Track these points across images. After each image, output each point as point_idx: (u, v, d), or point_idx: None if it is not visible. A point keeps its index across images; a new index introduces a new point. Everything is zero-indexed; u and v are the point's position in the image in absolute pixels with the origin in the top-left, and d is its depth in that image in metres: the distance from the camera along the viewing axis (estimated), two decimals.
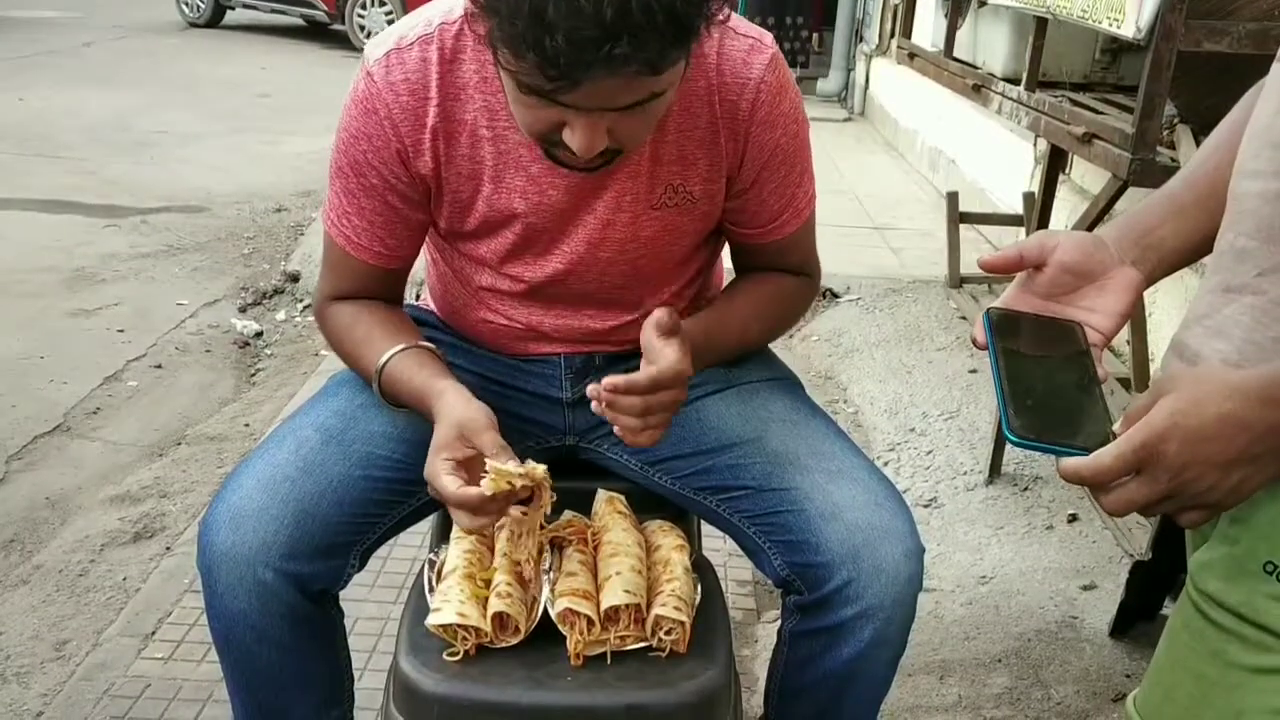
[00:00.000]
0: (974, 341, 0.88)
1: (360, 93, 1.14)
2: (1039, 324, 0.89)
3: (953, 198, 3.77)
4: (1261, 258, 0.79)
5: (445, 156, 1.16)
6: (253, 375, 3.26)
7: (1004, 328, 0.87)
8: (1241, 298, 0.80)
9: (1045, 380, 0.83)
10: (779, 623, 1.28)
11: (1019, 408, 0.78)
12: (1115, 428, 0.74)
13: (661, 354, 1.07)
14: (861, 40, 7.58)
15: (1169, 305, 2.95)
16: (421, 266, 1.43)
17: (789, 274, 1.32)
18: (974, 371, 3.21)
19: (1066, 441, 0.75)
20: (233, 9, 10.67)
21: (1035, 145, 3.97)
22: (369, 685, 1.45)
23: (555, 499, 1.11)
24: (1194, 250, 0.92)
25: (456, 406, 1.11)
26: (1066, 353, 0.85)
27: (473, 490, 1.04)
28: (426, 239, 1.31)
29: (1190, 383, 0.73)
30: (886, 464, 2.74)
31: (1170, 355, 0.89)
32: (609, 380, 1.05)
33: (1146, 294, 2.88)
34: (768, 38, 1.18)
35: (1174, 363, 0.88)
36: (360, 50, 9.43)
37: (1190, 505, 0.74)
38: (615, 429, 1.09)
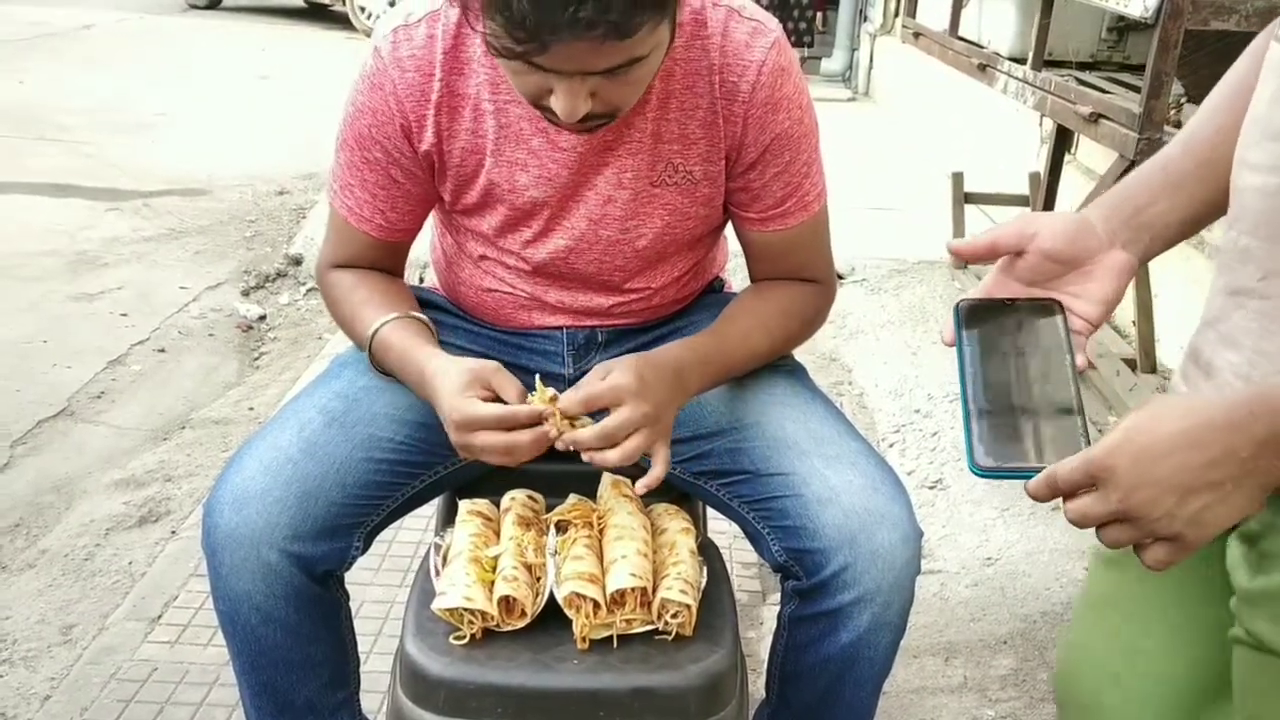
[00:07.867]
0: (943, 339, 0.84)
1: (368, 68, 1.18)
2: (1014, 312, 0.84)
3: (957, 178, 3.75)
4: (1264, 259, 0.76)
5: (448, 131, 1.18)
6: (256, 359, 3.26)
7: (976, 321, 0.83)
8: (1249, 302, 0.78)
9: (1017, 390, 0.79)
10: (779, 607, 1.28)
11: (984, 429, 0.75)
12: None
13: (593, 379, 1.10)
14: (866, 19, 7.53)
15: (1176, 285, 2.93)
16: (424, 249, 1.42)
17: (801, 282, 1.30)
18: None
19: (1033, 466, 0.73)
20: None
21: (1041, 125, 3.94)
22: (375, 669, 1.45)
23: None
24: (1192, 224, 0.88)
25: (457, 360, 1.14)
26: (1044, 348, 0.81)
27: (524, 407, 1.07)
28: (433, 214, 1.32)
29: (1156, 402, 0.71)
30: (891, 446, 2.73)
31: (1187, 362, 0.86)
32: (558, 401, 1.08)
33: (1154, 274, 2.88)
34: (773, 22, 1.18)
35: (1191, 369, 0.85)
36: (361, 31, 9.33)
37: (1149, 534, 0.70)
38: (584, 456, 1.09)
